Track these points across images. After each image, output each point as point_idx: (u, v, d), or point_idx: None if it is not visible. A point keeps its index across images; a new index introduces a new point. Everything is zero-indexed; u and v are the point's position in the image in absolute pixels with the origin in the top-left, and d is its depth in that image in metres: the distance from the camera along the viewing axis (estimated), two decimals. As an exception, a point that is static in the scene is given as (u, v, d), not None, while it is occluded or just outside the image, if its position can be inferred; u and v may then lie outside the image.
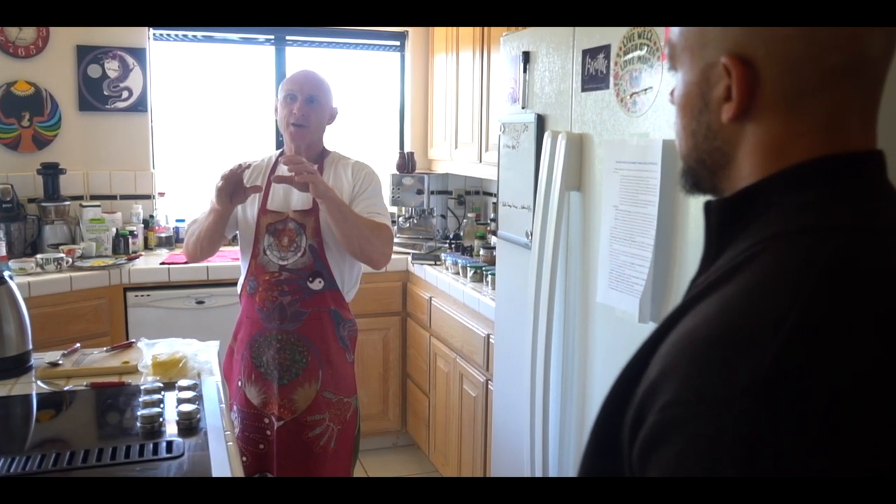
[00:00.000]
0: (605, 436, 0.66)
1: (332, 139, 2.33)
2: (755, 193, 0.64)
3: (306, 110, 2.15)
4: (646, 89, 1.58)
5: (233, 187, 2.06)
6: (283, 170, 2.11)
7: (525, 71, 2.11)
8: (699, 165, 0.70)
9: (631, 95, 1.63)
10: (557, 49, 1.96)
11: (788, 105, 0.62)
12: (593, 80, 1.78)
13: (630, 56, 1.63)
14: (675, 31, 0.70)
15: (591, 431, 0.69)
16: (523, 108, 2.13)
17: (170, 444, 1.45)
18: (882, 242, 0.58)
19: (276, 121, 2.26)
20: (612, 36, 1.71)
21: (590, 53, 1.79)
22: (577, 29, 1.86)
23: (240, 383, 2.21)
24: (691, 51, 0.67)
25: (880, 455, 0.50)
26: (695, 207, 1.45)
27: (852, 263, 0.56)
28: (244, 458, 2.17)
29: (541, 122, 2.03)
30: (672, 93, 0.73)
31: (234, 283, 2.35)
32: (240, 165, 2.07)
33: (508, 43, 2.24)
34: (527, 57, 2.10)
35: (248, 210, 2.20)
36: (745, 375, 0.52)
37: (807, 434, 0.50)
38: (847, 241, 0.57)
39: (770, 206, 0.62)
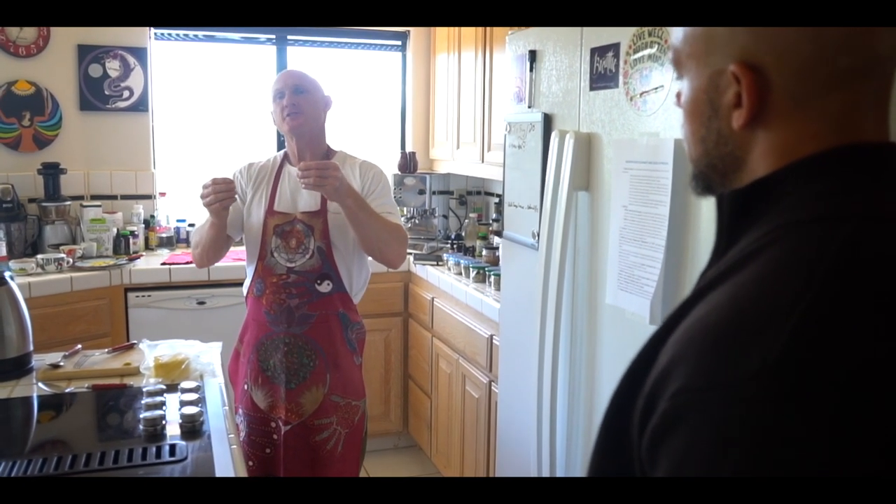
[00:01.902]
0: (615, 428, 0.65)
1: (335, 138, 2.31)
2: (768, 184, 0.64)
3: (296, 100, 2.13)
4: (656, 88, 1.56)
5: (223, 199, 2.02)
6: (295, 176, 2.07)
7: (531, 70, 2.09)
8: (710, 170, 0.69)
9: (641, 94, 1.61)
10: (565, 48, 1.94)
11: (800, 108, 0.62)
12: (602, 79, 1.76)
13: (640, 54, 1.61)
14: (678, 37, 0.69)
15: (600, 424, 0.68)
16: (530, 107, 2.11)
17: (173, 447, 1.43)
18: (894, 230, 0.58)
19: (277, 126, 2.23)
20: (621, 34, 1.69)
21: (598, 52, 1.77)
22: (586, 27, 1.84)
23: (246, 387, 2.18)
24: (697, 57, 0.67)
25: (892, 444, 0.49)
26: (707, 208, 1.43)
27: (866, 251, 0.56)
28: (250, 463, 2.14)
29: (548, 121, 2.01)
30: (678, 95, 0.72)
31: (236, 284, 2.33)
32: (225, 180, 2.02)
33: (514, 42, 2.22)
34: (533, 56, 2.08)
35: (255, 212, 2.17)
36: (756, 361, 0.52)
37: (818, 421, 0.50)
38: (860, 230, 0.57)
39: (782, 197, 0.62)
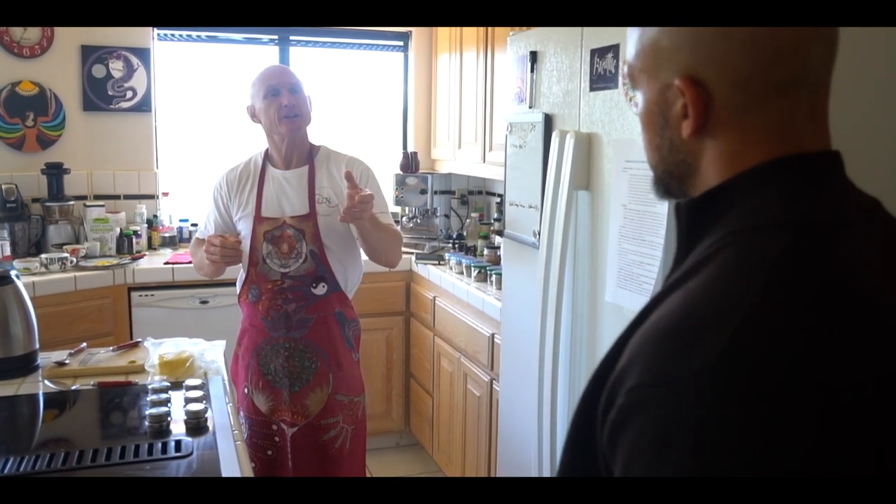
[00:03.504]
0: (583, 424, 0.69)
1: (335, 138, 2.30)
2: (719, 194, 0.68)
3: (294, 100, 2.08)
4: (655, 88, 1.58)
5: (228, 261, 2.06)
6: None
7: (532, 70, 2.11)
8: (667, 176, 0.74)
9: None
10: (565, 49, 1.96)
11: (741, 118, 0.66)
12: (602, 80, 1.78)
13: (639, 55, 1.63)
14: (631, 54, 0.73)
15: (570, 421, 0.72)
16: (531, 107, 2.13)
17: (178, 443, 1.45)
18: (833, 236, 0.62)
19: (261, 121, 2.14)
20: (621, 35, 1.70)
21: (598, 53, 1.79)
22: (586, 28, 1.86)
23: (246, 390, 2.18)
24: (648, 72, 0.71)
25: (822, 439, 0.53)
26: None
27: (804, 257, 0.59)
28: (253, 465, 2.15)
29: (548, 121, 2.03)
30: (636, 105, 0.76)
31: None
32: (234, 245, 2.04)
33: (515, 42, 2.23)
34: (534, 56, 2.10)
35: (243, 220, 2.15)
36: (698, 359, 0.56)
37: (753, 416, 0.53)
38: (800, 236, 0.61)
39: (733, 205, 0.66)
